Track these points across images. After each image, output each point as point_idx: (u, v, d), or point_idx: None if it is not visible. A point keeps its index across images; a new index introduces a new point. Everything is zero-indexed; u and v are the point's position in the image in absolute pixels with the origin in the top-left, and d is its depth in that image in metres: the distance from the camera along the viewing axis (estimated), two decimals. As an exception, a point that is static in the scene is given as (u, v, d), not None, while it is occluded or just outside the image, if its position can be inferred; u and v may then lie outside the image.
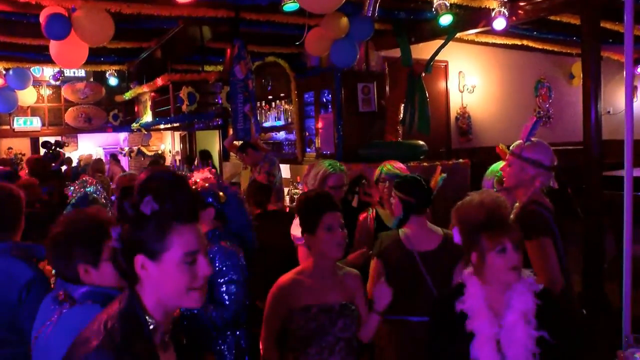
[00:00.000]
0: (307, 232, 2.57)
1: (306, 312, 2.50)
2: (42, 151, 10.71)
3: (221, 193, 2.88)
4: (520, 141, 3.08)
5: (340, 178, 3.67)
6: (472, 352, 2.07)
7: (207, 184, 2.89)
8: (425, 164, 6.06)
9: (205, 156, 10.05)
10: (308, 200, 2.64)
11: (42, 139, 13.85)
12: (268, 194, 4.35)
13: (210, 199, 2.84)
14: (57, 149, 10.38)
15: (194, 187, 2.81)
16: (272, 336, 2.58)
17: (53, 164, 9.11)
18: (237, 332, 2.77)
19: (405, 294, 2.88)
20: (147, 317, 1.42)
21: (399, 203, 3.11)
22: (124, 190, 1.46)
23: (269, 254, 3.57)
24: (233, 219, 2.89)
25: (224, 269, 2.68)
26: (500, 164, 3.53)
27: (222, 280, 2.67)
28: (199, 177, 2.91)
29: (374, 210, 3.88)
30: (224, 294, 2.67)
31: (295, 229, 3.41)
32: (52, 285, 2.79)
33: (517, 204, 3.17)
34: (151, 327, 1.42)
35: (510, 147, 3.15)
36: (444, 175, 3.50)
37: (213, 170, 3.14)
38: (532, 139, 3.05)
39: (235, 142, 7.02)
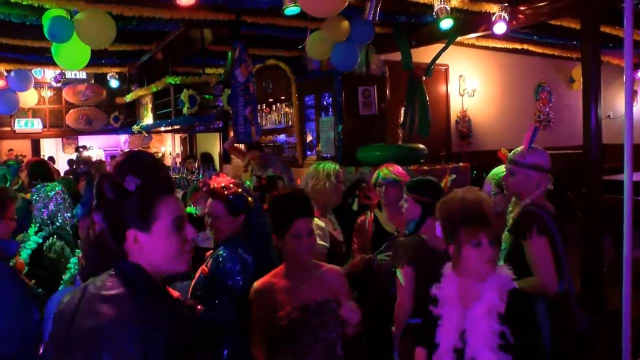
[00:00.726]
0: (276, 235, 2.58)
1: (279, 311, 2.49)
2: (74, 155, 10.84)
3: (250, 198, 2.81)
4: (521, 149, 3.14)
5: (341, 172, 4.01)
6: (436, 336, 2.21)
7: (239, 189, 2.81)
8: (425, 167, 6.06)
9: (207, 159, 10.06)
10: (278, 204, 2.62)
11: (42, 141, 13.94)
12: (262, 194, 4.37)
13: (242, 206, 2.77)
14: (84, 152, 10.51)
15: (225, 192, 2.75)
16: (257, 338, 2.56)
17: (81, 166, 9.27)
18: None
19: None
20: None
21: (415, 205, 3.10)
22: (101, 176, 1.51)
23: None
24: (256, 226, 2.80)
25: (228, 272, 2.63)
26: (501, 168, 3.55)
27: (221, 284, 2.63)
28: (225, 182, 2.82)
29: (372, 214, 3.89)
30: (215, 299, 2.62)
31: None
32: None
33: (510, 208, 3.20)
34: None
35: (510, 157, 3.20)
36: (454, 175, 3.53)
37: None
38: (532, 145, 3.12)
39: (236, 145, 7.03)
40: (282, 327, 2.47)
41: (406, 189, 3.20)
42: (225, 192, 2.75)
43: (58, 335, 1.45)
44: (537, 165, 3.07)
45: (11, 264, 2.92)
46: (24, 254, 3.45)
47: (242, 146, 7.07)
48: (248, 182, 6.47)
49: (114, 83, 10.72)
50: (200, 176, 6.83)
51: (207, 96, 8.77)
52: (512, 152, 3.21)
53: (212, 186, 2.79)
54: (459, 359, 2.16)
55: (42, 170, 5.85)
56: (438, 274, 2.94)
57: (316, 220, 3.38)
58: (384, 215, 3.84)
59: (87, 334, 1.37)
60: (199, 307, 2.47)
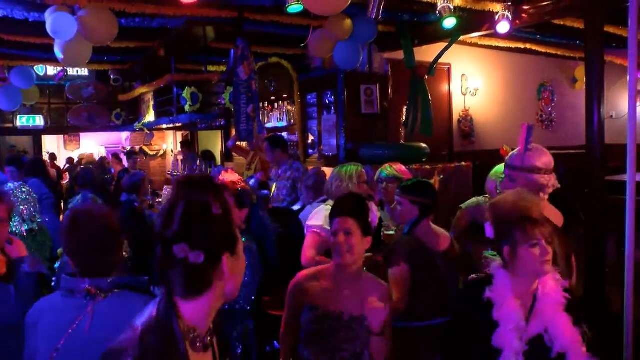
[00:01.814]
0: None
1: (312, 313, 2.50)
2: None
3: (254, 195, 3.04)
4: (517, 153, 2.94)
5: (365, 173, 3.89)
6: (494, 339, 2.10)
7: (247, 186, 3.07)
8: (427, 166, 6.06)
9: (208, 157, 10.06)
10: (335, 203, 2.71)
11: (44, 138, 13.94)
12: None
13: (248, 200, 3.00)
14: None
15: (235, 186, 2.99)
16: (288, 326, 2.64)
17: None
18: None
19: (429, 297, 2.89)
20: (187, 328, 1.37)
21: (412, 206, 3.08)
22: (189, 203, 1.37)
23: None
24: (258, 222, 3.02)
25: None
26: (503, 166, 3.52)
27: None
28: (234, 178, 3.05)
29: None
30: None
31: (311, 220, 3.57)
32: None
33: None
34: (192, 335, 1.37)
35: (507, 162, 3.01)
36: (441, 176, 3.53)
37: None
38: (529, 146, 2.91)
39: (238, 143, 7.04)
40: (312, 329, 2.49)
41: (401, 191, 3.17)
42: (235, 187, 2.99)
43: None
44: (537, 167, 2.85)
45: None
46: None
47: (244, 144, 7.08)
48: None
49: (116, 80, 10.72)
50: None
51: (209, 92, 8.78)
52: (509, 155, 3.02)
53: (223, 180, 3.00)
54: None
55: (35, 168, 5.92)
56: (433, 275, 2.94)
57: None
58: (385, 213, 3.85)
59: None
60: None
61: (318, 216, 3.54)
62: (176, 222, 1.32)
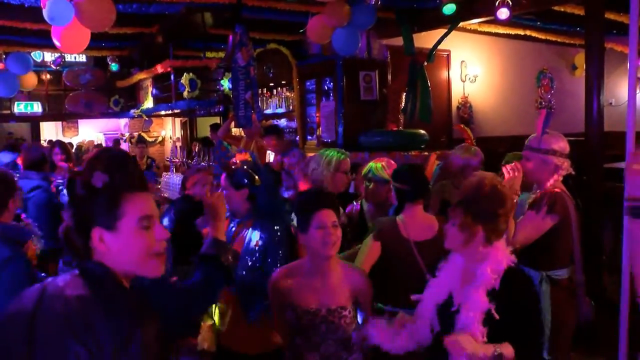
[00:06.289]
0: (300, 230, 2.56)
1: (291, 311, 2.52)
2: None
3: (257, 177, 3.03)
4: (535, 135, 3.15)
5: (348, 162, 3.77)
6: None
7: (243, 165, 3.07)
8: (426, 153, 6.06)
9: (208, 143, 10.04)
10: (301, 199, 2.67)
11: (42, 124, 13.91)
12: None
13: (246, 180, 3.01)
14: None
15: (232, 167, 3.06)
16: (279, 323, 2.69)
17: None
18: None
19: (401, 284, 2.86)
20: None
21: (394, 191, 3.16)
22: (73, 173, 1.51)
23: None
24: (264, 202, 3.03)
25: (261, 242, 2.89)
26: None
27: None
28: (239, 159, 3.13)
29: (360, 204, 3.83)
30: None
31: None
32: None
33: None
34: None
35: (526, 143, 3.22)
36: (440, 163, 3.51)
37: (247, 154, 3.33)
38: (547, 130, 3.12)
39: (230, 132, 7.02)
40: (293, 325, 2.52)
41: (391, 176, 3.27)
42: (232, 167, 3.07)
43: (14, 339, 1.33)
44: (553, 149, 3.07)
45: None
46: None
47: (235, 132, 7.07)
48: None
49: (114, 66, 10.67)
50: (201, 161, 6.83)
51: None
52: (528, 138, 3.23)
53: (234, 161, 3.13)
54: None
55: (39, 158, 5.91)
56: (403, 260, 2.92)
57: None
58: (366, 209, 3.78)
59: (51, 335, 1.31)
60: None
61: None
62: (67, 192, 1.50)
